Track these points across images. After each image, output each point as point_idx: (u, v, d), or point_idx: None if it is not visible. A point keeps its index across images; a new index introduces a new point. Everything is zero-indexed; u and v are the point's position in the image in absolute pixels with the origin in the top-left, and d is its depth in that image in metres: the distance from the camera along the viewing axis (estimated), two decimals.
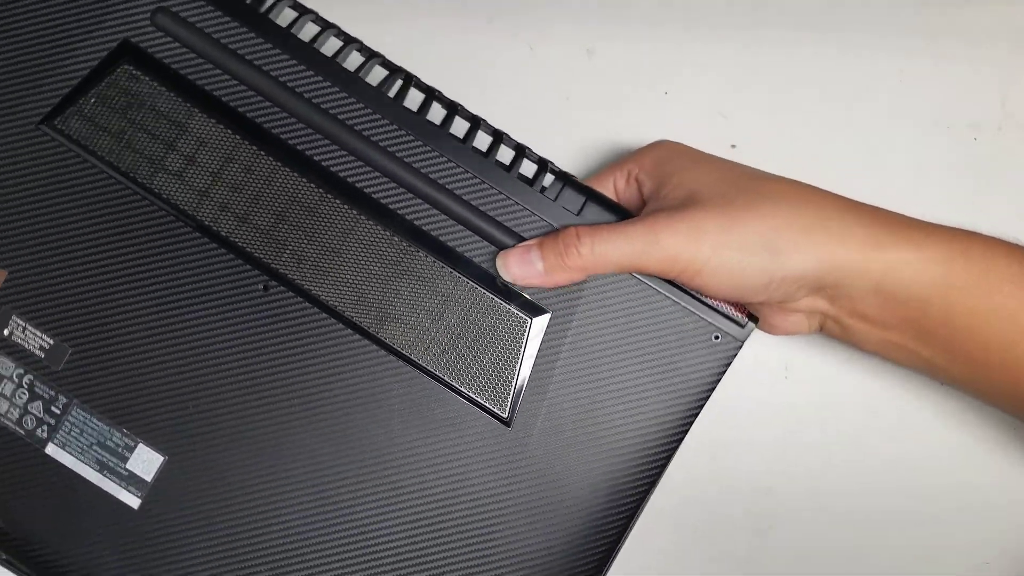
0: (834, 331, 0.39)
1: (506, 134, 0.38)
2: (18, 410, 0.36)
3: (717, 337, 0.37)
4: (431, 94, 0.38)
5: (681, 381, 0.37)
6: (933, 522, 0.46)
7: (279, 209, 0.36)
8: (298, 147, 0.36)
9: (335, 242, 0.36)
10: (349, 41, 0.38)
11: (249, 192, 0.36)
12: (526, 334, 0.37)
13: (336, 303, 0.36)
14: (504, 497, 0.36)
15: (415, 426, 0.36)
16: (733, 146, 0.47)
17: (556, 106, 0.47)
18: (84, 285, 0.36)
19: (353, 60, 0.38)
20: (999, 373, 0.36)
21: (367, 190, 0.36)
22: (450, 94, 0.38)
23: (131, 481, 0.36)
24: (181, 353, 0.36)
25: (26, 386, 0.36)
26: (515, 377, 0.37)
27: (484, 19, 0.47)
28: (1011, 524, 0.46)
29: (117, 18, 0.36)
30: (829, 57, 0.47)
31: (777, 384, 0.47)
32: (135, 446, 0.36)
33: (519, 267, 0.36)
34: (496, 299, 0.37)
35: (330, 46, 0.38)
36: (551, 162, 0.38)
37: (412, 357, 0.36)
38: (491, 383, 0.37)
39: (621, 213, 0.37)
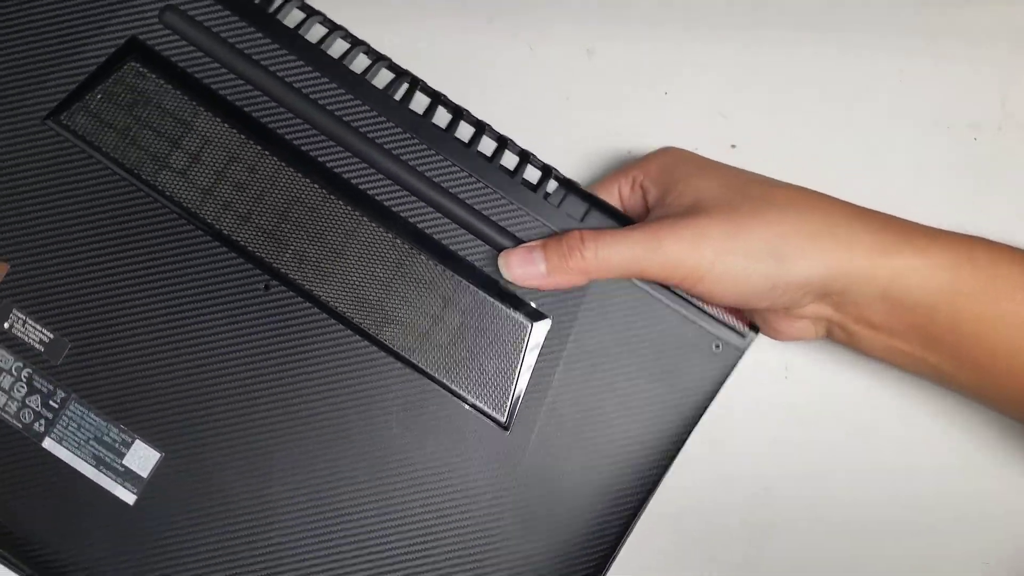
0: (840, 337, 0.39)
1: (511, 140, 0.38)
2: (16, 403, 0.36)
3: (718, 347, 0.37)
4: (437, 98, 0.38)
5: (681, 390, 0.37)
6: (932, 525, 0.46)
7: (282, 209, 0.36)
8: (302, 147, 0.36)
9: (337, 243, 0.36)
10: (356, 44, 0.38)
11: (252, 191, 0.36)
12: (526, 339, 0.37)
13: (337, 304, 0.36)
14: (500, 502, 0.36)
15: (413, 428, 0.36)
16: (733, 146, 0.47)
17: (556, 106, 0.47)
18: (85, 280, 0.36)
19: (360, 63, 0.38)
20: (1006, 379, 0.36)
21: (370, 192, 0.36)
22: (450, 94, 0.39)
23: (127, 477, 0.36)
24: (180, 350, 0.36)
25: (25, 380, 0.36)
26: (514, 382, 0.36)
27: (484, 19, 0.47)
28: (1011, 528, 0.46)
29: (125, 15, 0.36)
30: (829, 57, 0.47)
31: (777, 385, 0.46)
32: (132, 442, 0.36)
33: (521, 267, 0.36)
34: (497, 304, 0.36)
35: (337, 48, 0.38)
36: (555, 168, 0.38)
37: (411, 359, 0.36)
38: (490, 388, 0.36)
39: (624, 221, 0.37)
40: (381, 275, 0.36)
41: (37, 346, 0.36)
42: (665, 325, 0.37)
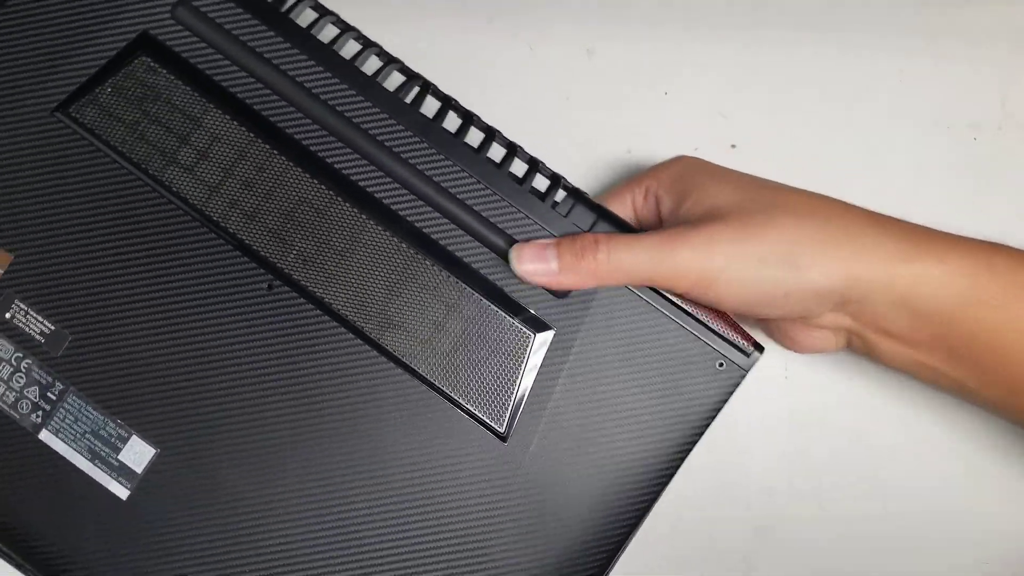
0: (860, 349, 0.38)
1: (520, 146, 0.38)
2: (14, 394, 0.36)
3: (721, 365, 0.37)
4: (447, 102, 0.38)
5: (682, 407, 0.36)
6: (932, 526, 0.46)
7: (288, 209, 0.36)
8: (311, 148, 0.36)
9: (342, 245, 0.36)
10: (368, 45, 0.38)
11: (259, 190, 0.36)
12: (528, 349, 0.36)
13: (339, 306, 0.36)
14: (497, 512, 0.36)
15: (410, 435, 0.36)
16: (733, 146, 0.47)
17: (556, 106, 0.47)
18: (88, 273, 0.36)
19: (371, 64, 0.38)
20: None
21: (377, 195, 0.36)
22: (450, 94, 0.39)
23: (121, 472, 0.36)
24: (180, 347, 0.36)
25: (24, 370, 0.36)
26: (514, 392, 0.36)
27: (484, 19, 0.48)
28: (1011, 529, 0.46)
29: (137, 10, 0.36)
30: (829, 57, 0.47)
31: (777, 385, 0.46)
32: (128, 437, 0.36)
33: (532, 262, 0.35)
34: (500, 312, 0.36)
35: (349, 49, 0.38)
36: (563, 177, 0.37)
37: (412, 365, 0.36)
38: (490, 397, 0.36)
39: (632, 232, 0.37)
40: (385, 279, 0.36)
41: (38, 337, 0.36)
42: (669, 341, 0.36)
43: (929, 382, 0.38)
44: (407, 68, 0.38)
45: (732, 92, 0.47)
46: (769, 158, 0.46)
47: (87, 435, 0.36)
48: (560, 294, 0.36)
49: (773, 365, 0.46)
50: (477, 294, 0.36)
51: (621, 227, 0.37)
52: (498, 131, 0.38)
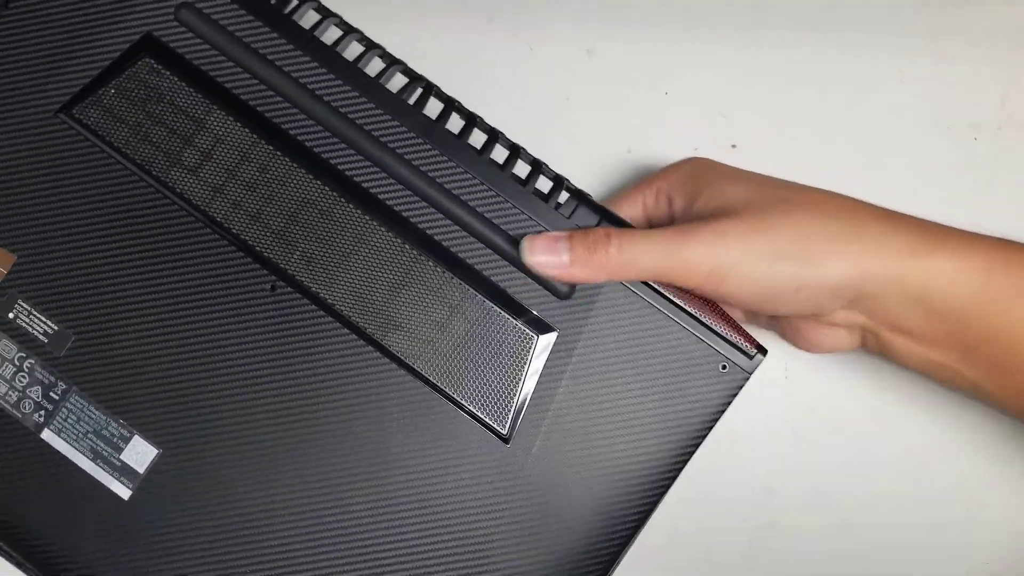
0: (874, 348, 0.38)
1: (523, 148, 0.38)
2: (17, 393, 0.36)
3: (724, 367, 0.36)
4: (450, 103, 0.38)
5: (685, 409, 0.36)
6: (932, 525, 0.46)
7: (291, 210, 0.36)
8: (314, 149, 0.36)
9: (345, 246, 0.36)
10: (371, 47, 0.38)
11: (263, 191, 0.36)
12: (531, 351, 0.36)
13: (342, 307, 0.36)
14: (498, 514, 0.36)
15: (412, 436, 0.36)
16: (733, 146, 0.47)
17: (556, 106, 0.47)
18: (92, 274, 0.36)
19: (374, 66, 0.38)
20: None
21: (380, 196, 0.36)
22: (450, 94, 0.39)
23: (124, 472, 0.36)
24: (183, 347, 0.36)
25: (27, 370, 0.36)
26: (517, 394, 0.36)
27: (484, 19, 0.48)
28: (1011, 528, 0.46)
29: (141, 11, 0.36)
30: (829, 57, 0.47)
31: (777, 385, 0.46)
32: (131, 437, 0.36)
33: (544, 254, 0.35)
34: (503, 314, 0.36)
35: (352, 51, 0.38)
36: (567, 179, 0.37)
37: (415, 367, 0.36)
38: (492, 398, 0.36)
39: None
40: (388, 280, 0.36)
41: (41, 337, 0.36)
42: (672, 343, 0.36)
43: (945, 383, 0.38)
44: (410, 69, 0.38)
45: (732, 92, 0.47)
46: (769, 158, 0.46)
47: (89, 435, 0.36)
48: (563, 295, 0.36)
49: (773, 366, 0.46)
50: (480, 295, 0.36)
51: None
52: (501, 132, 0.38)
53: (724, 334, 0.37)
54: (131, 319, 0.36)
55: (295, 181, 0.36)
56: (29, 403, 0.36)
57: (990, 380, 0.36)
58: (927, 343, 0.36)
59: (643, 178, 0.42)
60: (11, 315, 0.36)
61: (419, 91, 0.38)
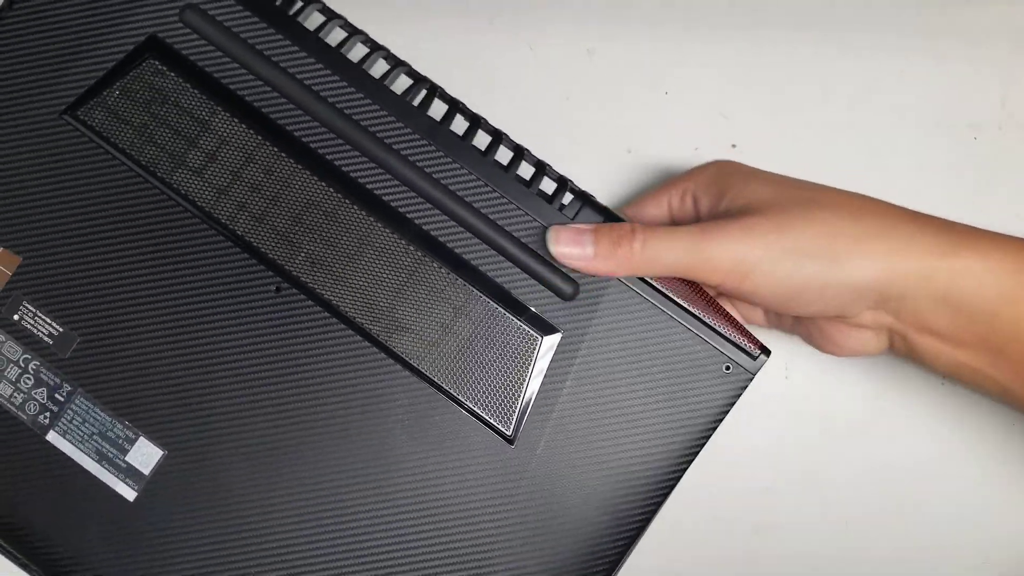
0: (901, 350, 0.38)
1: (527, 149, 0.38)
2: (22, 395, 0.36)
3: (728, 368, 0.37)
4: (455, 105, 0.38)
5: (689, 410, 0.37)
6: (932, 525, 0.46)
7: (296, 212, 0.36)
8: (319, 151, 0.36)
9: (350, 247, 0.36)
10: (376, 48, 0.38)
11: (267, 193, 0.36)
12: (535, 352, 0.36)
13: (347, 309, 0.36)
14: (503, 515, 0.36)
15: (417, 437, 0.36)
16: (734, 146, 0.47)
17: (556, 106, 0.47)
18: (97, 276, 0.36)
19: (379, 67, 0.38)
20: None
21: (384, 197, 0.36)
22: (451, 94, 0.39)
23: (129, 473, 0.36)
24: (188, 349, 0.36)
25: (32, 372, 0.36)
26: (521, 395, 0.36)
27: (485, 19, 0.48)
28: (1011, 528, 0.46)
29: (145, 13, 0.36)
30: (829, 57, 0.47)
31: (777, 384, 0.46)
32: (136, 439, 0.36)
33: (568, 245, 0.35)
34: (508, 315, 0.36)
35: (357, 52, 0.38)
36: (571, 180, 0.38)
37: (419, 368, 0.36)
38: (497, 399, 0.36)
39: None
40: (393, 281, 0.36)
41: (46, 339, 0.36)
42: (676, 344, 0.36)
43: (974, 386, 0.37)
44: (414, 71, 0.38)
45: (732, 92, 0.47)
46: (770, 158, 0.46)
47: (94, 436, 0.36)
48: (568, 296, 0.36)
49: (774, 365, 0.46)
50: (485, 297, 0.36)
51: None
52: (505, 134, 0.38)
53: (728, 335, 0.37)
54: (136, 321, 0.36)
55: (300, 183, 0.36)
56: (34, 405, 0.36)
57: (1018, 382, 0.36)
58: (955, 344, 0.35)
59: (668, 179, 0.42)
60: (16, 317, 0.36)
61: (424, 92, 0.38)
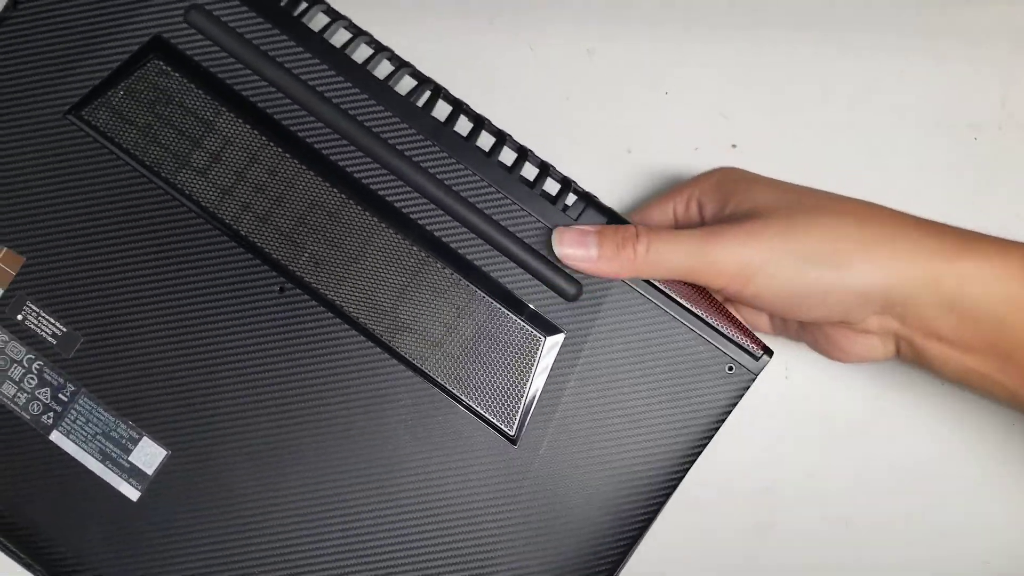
0: (909, 356, 0.38)
1: (531, 150, 0.38)
2: (25, 395, 0.36)
3: (731, 368, 0.37)
4: (458, 106, 0.38)
5: (692, 410, 0.37)
6: (932, 525, 0.46)
7: (300, 212, 0.36)
8: (323, 151, 0.36)
9: (353, 248, 0.36)
10: (380, 49, 0.38)
11: (272, 193, 0.36)
12: (539, 352, 0.36)
13: (351, 309, 0.36)
14: (506, 514, 0.36)
15: (421, 438, 0.36)
16: (734, 146, 0.47)
17: (556, 106, 0.47)
18: (101, 276, 0.36)
19: (383, 68, 0.38)
20: None
21: (388, 198, 0.36)
22: (454, 94, 0.39)
23: (132, 473, 0.36)
24: (192, 349, 0.36)
25: (35, 372, 0.36)
26: (525, 395, 0.36)
27: (486, 19, 0.48)
28: (1011, 528, 0.46)
29: (150, 13, 0.36)
30: (829, 57, 0.48)
31: (777, 384, 0.47)
32: (139, 439, 0.36)
33: (573, 247, 0.36)
34: (511, 316, 0.36)
35: (361, 53, 0.38)
36: (574, 181, 0.38)
37: (423, 368, 0.36)
38: (500, 399, 0.36)
39: None
40: (396, 282, 0.37)
41: (49, 339, 0.36)
42: (679, 344, 0.37)
43: (983, 392, 0.37)
44: (418, 72, 0.38)
45: (732, 92, 0.48)
46: (770, 158, 0.46)
47: (98, 437, 0.36)
48: (571, 297, 0.36)
49: (774, 365, 0.46)
50: (488, 297, 0.36)
51: None
52: (509, 135, 0.38)
53: (730, 335, 0.37)
54: (140, 321, 0.36)
55: (304, 183, 0.36)
56: (38, 405, 0.36)
57: None
58: (963, 349, 0.35)
59: (674, 186, 0.42)
60: (20, 317, 0.36)
61: (427, 94, 0.38)
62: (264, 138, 0.36)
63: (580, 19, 0.48)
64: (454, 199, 0.36)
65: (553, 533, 0.36)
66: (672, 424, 0.37)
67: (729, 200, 0.38)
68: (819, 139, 0.47)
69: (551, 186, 0.38)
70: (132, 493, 0.36)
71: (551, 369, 0.36)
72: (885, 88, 0.47)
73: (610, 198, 0.47)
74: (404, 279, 0.37)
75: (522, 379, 0.36)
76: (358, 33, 0.38)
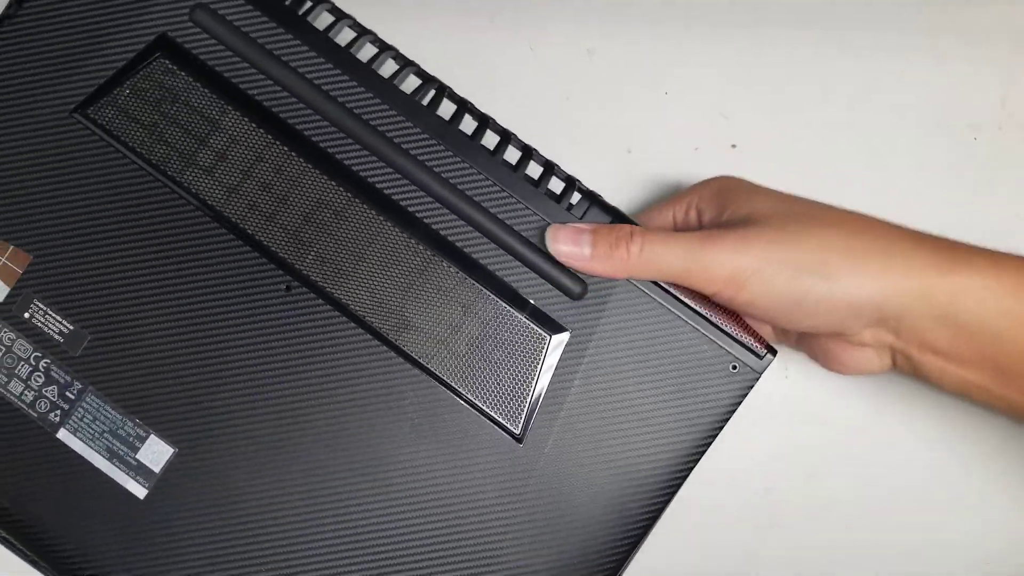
0: (905, 368, 0.38)
1: (535, 149, 0.38)
2: (32, 393, 0.36)
3: (735, 367, 0.37)
4: (463, 105, 0.38)
5: (696, 409, 0.37)
6: (932, 525, 0.46)
7: (306, 211, 0.36)
8: (328, 150, 0.36)
9: (359, 247, 0.37)
10: (385, 48, 0.38)
11: (278, 192, 0.36)
12: (544, 351, 0.37)
13: (356, 307, 0.36)
14: (511, 513, 0.36)
15: (426, 436, 0.36)
16: (733, 146, 0.47)
17: (556, 106, 0.47)
18: (107, 274, 0.36)
19: (388, 67, 0.38)
20: None
21: (394, 196, 0.37)
22: (458, 93, 0.39)
23: (139, 471, 0.36)
24: (199, 347, 0.36)
25: (43, 370, 0.36)
26: (530, 394, 0.37)
27: (486, 18, 0.47)
28: (1011, 528, 0.46)
29: (156, 12, 0.36)
30: (829, 57, 0.47)
31: (777, 384, 0.47)
32: (147, 436, 0.36)
33: (567, 244, 0.36)
34: (516, 314, 0.37)
35: (366, 52, 0.38)
36: (579, 180, 0.38)
37: (428, 366, 0.36)
38: (505, 398, 0.37)
39: None
40: (402, 281, 0.37)
41: (56, 337, 0.36)
42: (683, 343, 0.37)
43: (982, 403, 0.37)
44: (423, 71, 0.38)
45: (732, 92, 0.47)
46: (770, 158, 0.46)
47: (105, 434, 0.36)
48: (576, 295, 0.37)
49: (773, 365, 0.46)
50: (493, 296, 0.37)
51: None
52: (514, 134, 0.38)
53: (735, 334, 0.37)
54: (146, 319, 0.36)
55: (310, 182, 0.37)
56: (45, 403, 0.36)
57: None
58: (959, 362, 0.35)
59: (674, 194, 0.42)
60: (27, 315, 0.36)
61: (432, 92, 0.38)
62: (270, 137, 0.36)
63: (580, 18, 0.48)
64: (459, 198, 0.37)
65: (558, 531, 0.37)
66: (677, 423, 0.37)
67: (727, 207, 0.38)
68: (819, 139, 0.47)
69: (556, 185, 0.38)
70: (139, 491, 0.36)
71: (556, 368, 0.37)
72: (885, 88, 0.47)
73: (610, 198, 0.47)
74: (410, 277, 0.37)
75: (527, 377, 0.37)
76: (363, 32, 0.38)
